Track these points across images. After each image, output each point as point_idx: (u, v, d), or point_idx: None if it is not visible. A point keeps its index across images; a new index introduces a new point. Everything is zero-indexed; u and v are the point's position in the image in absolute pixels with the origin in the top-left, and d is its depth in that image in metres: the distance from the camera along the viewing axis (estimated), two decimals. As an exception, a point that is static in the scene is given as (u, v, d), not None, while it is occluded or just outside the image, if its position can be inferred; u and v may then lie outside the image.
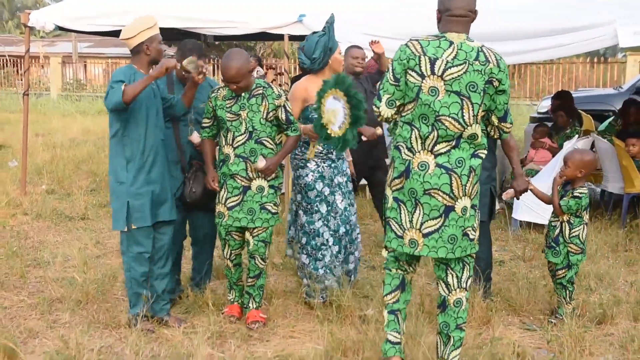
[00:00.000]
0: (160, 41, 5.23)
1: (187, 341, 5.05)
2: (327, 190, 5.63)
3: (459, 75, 3.97)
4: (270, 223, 5.33)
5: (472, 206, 4.14)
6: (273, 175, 5.30)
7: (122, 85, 4.86)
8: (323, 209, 5.62)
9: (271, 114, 5.25)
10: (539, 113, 13.21)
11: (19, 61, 34.45)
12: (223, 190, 5.33)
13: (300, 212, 5.72)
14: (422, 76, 4.01)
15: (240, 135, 5.22)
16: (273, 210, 5.33)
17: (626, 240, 7.68)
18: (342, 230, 5.70)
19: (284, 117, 5.29)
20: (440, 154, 4.04)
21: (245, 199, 5.26)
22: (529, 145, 9.56)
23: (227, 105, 5.25)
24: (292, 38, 8.91)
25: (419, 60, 4.01)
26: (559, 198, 5.46)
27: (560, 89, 11.99)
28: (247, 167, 5.22)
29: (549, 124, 9.85)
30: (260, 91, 5.27)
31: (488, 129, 4.28)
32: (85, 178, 11.36)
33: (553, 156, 8.64)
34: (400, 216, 4.17)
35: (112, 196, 5.24)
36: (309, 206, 5.63)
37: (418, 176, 4.05)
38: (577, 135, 8.74)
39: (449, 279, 4.26)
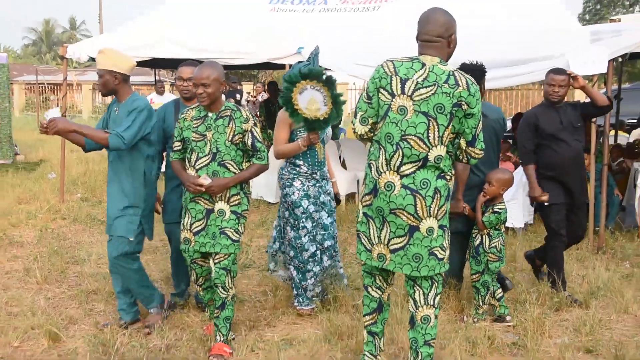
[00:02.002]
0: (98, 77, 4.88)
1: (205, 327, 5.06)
2: (312, 208, 5.31)
3: (427, 96, 3.63)
4: (229, 250, 4.53)
5: (440, 226, 3.75)
6: (236, 201, 4.60)
7: None
8: (309, 225, 5.31)
9: (237, 137, 4.54)
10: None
11: (56, 88, 34.50)
12: (187, 216, 4.64)
13: (288, 228, 5.37)
14: (393, 95, 3.70)
15: (205, 156, 4.55)
16: (233, 237, 4.56)
17: (578, 240, 7.69)
18: (327, 243, 5.44)
19: (250, 143, 4.60)
20: (406, 175, 3.68)
21: (209, 222, 4.54)
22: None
23: (194, 126, 4.59)
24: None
25: (391, 80, 3.71)
26: (482, 214, 5.23)
27: (518, 111, 12.02)
28: None
29: (511, 141, 9.89)
30: (228, 113, 4.57)
31: (457, 152, 3.87)
32: (114, 188, 11.34)
33: (515, 168, 8.66)
34: (370, 231, 3.85)
35: None
36: (295, 222, 5.30)
37: (385, 196, 3.71)
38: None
39: (416, 295, 3.87)
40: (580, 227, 6.08)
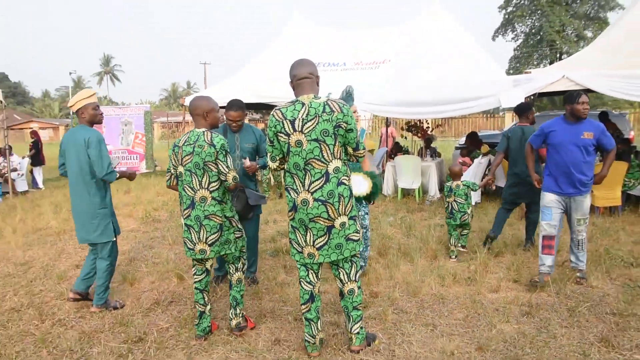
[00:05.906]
0: (94, 107, 4.12)
1: (259, 285, 4.66)
2: None
3: (313, 127, 3.09)
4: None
5: (350, 218, 3.19)
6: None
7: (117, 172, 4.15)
8: None
9: None
10: (459, 144, 13.08)
11: (178, 125, 34.97)
12: None
13: None
14: (288, 135, 3.13)
15: None
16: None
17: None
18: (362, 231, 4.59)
19: None
20: (316, 190, 3.12)
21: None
22: (456, 161, 9.48)
23: None
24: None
25: (283, 124, 3.14)
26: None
27: (470, 131, 11.89)
28: None
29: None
30: None
31: (347, 157, 3.26)
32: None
33: (468, 167, 8.56)
34: (297, 237, 3.25)
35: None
36: None
37: (303, 210, 3.16)
38: (480, 156, 8.64)
39: (341, 275, 3.31)
40: None
